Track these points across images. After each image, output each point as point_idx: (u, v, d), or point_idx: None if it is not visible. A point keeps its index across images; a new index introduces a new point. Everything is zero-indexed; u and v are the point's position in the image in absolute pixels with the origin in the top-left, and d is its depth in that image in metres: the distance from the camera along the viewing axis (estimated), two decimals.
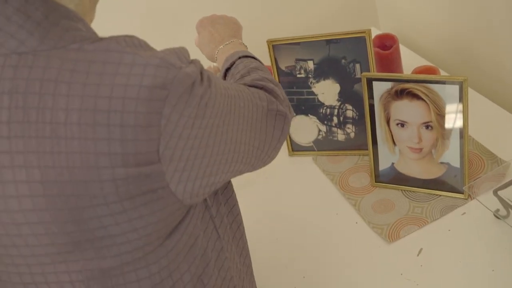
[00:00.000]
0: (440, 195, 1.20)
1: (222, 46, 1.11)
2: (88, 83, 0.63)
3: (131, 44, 0.67)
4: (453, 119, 1.14)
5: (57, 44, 0.65)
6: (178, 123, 0.66)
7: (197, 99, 0.68)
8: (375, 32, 1.65)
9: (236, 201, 0.91)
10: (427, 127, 1.17)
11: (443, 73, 1.47)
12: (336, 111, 1.36)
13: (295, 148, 1.42)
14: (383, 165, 1.26)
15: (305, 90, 1.36)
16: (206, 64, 1.62)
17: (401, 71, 1.51)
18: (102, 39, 0.67)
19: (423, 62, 1.56)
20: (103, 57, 0.65)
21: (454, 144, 1.16)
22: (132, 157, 0.64)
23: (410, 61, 1.56)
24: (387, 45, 1.51)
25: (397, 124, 1.20)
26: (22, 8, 0.66)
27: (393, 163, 1.25)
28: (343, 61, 1.30)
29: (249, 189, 1.34)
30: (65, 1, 0.70)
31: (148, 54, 0.66)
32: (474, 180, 1.18)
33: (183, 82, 0.66)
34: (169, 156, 0.66)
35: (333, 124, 1.37)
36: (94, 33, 0.70)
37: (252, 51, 1.63)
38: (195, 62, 0.70)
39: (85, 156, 0.63)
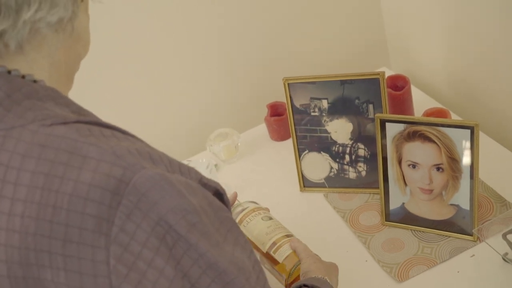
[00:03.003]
0: (449, 237, 1.23)
1: (320, 265, 1.04)
2: (37, 172, 0.59)
3: (97, 134, 0.62)
4: (464, 162, 1.17)
5: (16, 123, 0.62)
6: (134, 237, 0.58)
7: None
8: (386, 72, 1.68)
9: None
10: (438, 169, 1.20)
11: (453, 115, 1.50)
12: (348, 149, 1.39)
13: (307, 184, 1.45)
14: (394, 204, 1.28)
15: (318, 128, 1.39)
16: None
17: (412, 112, 1.54)
18: (66, 122, 0.62)
19: (433, 104, 1.58)
20: (57, 144, 0.60)
21: (464, 186, 1.19)
22: (76, 261, 0.58)
23: (420, 102, 1.59)
24: (398, 85, 1.55)
25: (409, 165, 1.23)
26: None
27: (403, 203, 1.27)
28: (356, 101, 1.34)
29: None
30: (37, 74, 0.67)
31: (107, 147, 0.60)
32: (483, 223, 1.20)
33: (142, 186, 0.58)
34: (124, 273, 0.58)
35: (345, 162, 1.40)
36: (67, 114, 0.64)
37: (269, 88, 1.68)
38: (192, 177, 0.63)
39: (24, 252, 0.59)
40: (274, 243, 1.13)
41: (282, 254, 1.11)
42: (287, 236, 1.14)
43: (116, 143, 0.61)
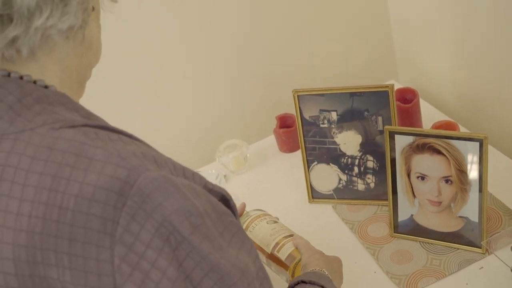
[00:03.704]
0: (458, 249, 1.23)
1: (320, 257, 1.05)
2: (45, 173, 0.61)
3: (104, 138, 0.64)
4: (472, 175, 1.17)
5: (26, 127, 0.64)
6: (138, 237, 0.59)
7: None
8: (395, 86, 1.69)
9: None
10: (447, 181, 1.20)
11: (462, 128, 1.51)
12: (357, 161, 1.40)
13: (315, 196, 1.45)
14: (402, 216, 1.28)
15: (327, 139, 1.40)
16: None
17: (420, 125, 1.54)
18: (74, 126, 0.64)
19: (442, 117, 1.59)
20: (64, 146, 0.62)
21: (473, 199, 1.19)
22: (81, 260, 0.60)
23: (429, 115, 1.59)
24: (407, 98, 1.55)
25: (418, 177, 1.23)
26: None
27: (412, 215, 1.27)
28: (365, 113, 1.35)
29: None
30: (48, 79, 0.68)
31: (113, 150, 0.61)
32: (492, 235, 1.20)
33: (146, 187, 0.60)
34: (127, 273, 0.59)
35: (354, 174, 1.41)
36: (75, 118, 0.66)
37: (278, 100, 1.69)
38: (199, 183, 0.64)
39: (31, 250, 0.61)
40: (277, 243, 1.14)
41: (284, 252, 1.12)
42: (290, 235, 1.15)
43: (122, 146, 0.63)
